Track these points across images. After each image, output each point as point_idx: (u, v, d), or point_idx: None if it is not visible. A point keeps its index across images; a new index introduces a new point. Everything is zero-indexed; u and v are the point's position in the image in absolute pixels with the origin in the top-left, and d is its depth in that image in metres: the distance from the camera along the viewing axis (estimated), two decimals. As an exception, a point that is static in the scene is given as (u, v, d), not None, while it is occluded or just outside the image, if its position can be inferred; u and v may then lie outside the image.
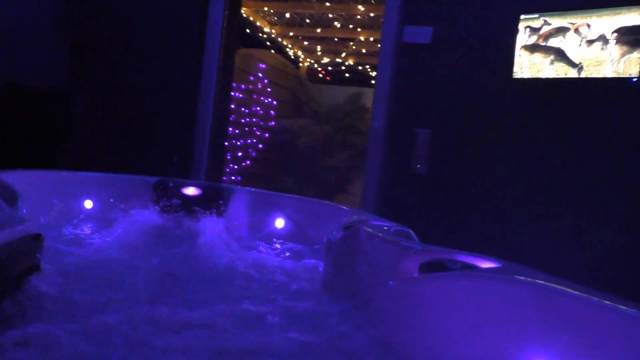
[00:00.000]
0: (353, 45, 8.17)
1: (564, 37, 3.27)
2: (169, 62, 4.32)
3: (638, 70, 3.01)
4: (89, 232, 2.91)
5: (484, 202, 3.52)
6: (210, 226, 2.98)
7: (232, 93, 5.67)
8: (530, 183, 3.43)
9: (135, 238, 2.78)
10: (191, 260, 2.62)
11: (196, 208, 3.13)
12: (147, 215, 3.04)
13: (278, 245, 3.06)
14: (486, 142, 3.54)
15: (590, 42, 3.17)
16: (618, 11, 3.08)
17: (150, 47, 4.36)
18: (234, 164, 6.83)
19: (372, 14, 6.68)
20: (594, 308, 1.15)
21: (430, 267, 1.65)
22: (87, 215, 3.06)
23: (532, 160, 3.43)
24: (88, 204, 3.13)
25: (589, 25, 3.18)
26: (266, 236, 3.15)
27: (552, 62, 3.31)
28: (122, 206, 3.02)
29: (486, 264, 1.57)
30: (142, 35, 4.38)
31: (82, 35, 4.43)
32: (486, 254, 1.67)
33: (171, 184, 3.22)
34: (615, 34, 3.09)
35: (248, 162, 7.25)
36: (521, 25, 3.40)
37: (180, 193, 3.22)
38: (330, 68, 9.62)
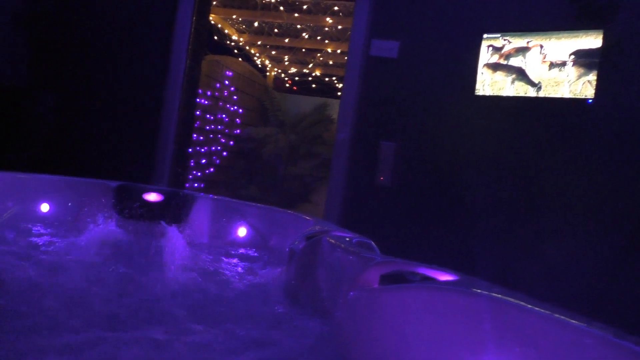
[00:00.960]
0: (320, 56, 8.23)
1: (524, 57, 3.37)
2: (135, 64, 4.27)
3: (593, 92, 3.12)
4: (43, 237, 2.83)
5: (447, 215, 3.59)
6: (171, 233, 2.93)
7: (198, 99, 5.63)
8: (492, 196, 3.50)
9: (92, 244, 2.71)
10: (149, 270, 2.57)
11: (157, 214, 3.08)
12: (106, 221, 2.97)
13: (240, 254, 3.04)
14: (450, 156, 3.61)
15: (548, 63, 3.28)
16: (575, 34, 3.20)
17: (115, 48, 4.31)
18: (197, 171, 6.77)
19: (340, 27, 6.75)
20: (546, 320, 1.18)
21: (391, 279, 1.67)
22: (43, 219, 2.98)
23: (494, 175, 3.51)
24: (44, 207, 3.05)
25: (546, 47, 3.29)
26: (228, 244, 3.13)
27: (513, 81, 3.41)
28: (81, 211, 2.95)
29: (445, 277, 1.60)
30: (108, 36, 4.32)
31: (44, 34, 4.34)
32: (448, 266, 1.70)
33: (133, 190, 3.17)
34: (572, 56, 3.20)
35: (212, 169, 7.20)
36: (484, 44, 3.49)
37: (141, 199, 3.18)
38: (297, 78, 9.66)
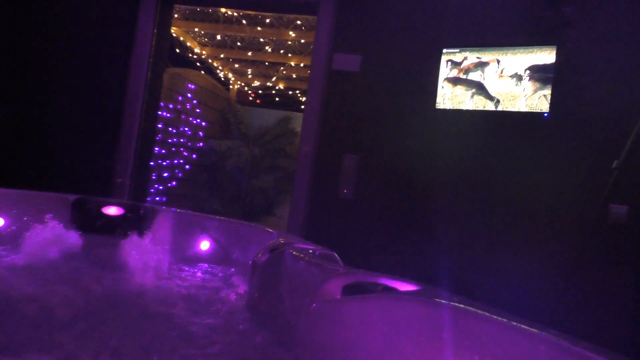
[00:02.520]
0: (284, 70, 8.26)
1: (482, 72, 3.46)
2: (94, 76, 4.20)
3: (549, 106, 3.22)
4: None
5: (409, 227, 3.63)
6: (131, 248, 2.89)
7: (160, 112, 5.57)
8: (452, 208, 3.56)
9: (47, 259, 2.64)
10: (109, 286, 2.52)
11: (117, 228, 3.03)
12: (64, 235, 2.90)
13: (202, 267, 3.01)
14: (411, 169, 3.66)
15: (506, 77, 3.37)
16: (530, 49, 3.30)
17: (74, 61, 4.24)
18: (159, 184, 6.68)
19: (303, 40, 6.79)
20: (503, 328, 1.21)
21: (353, 290, 1.68)
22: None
23: (454, 186, 3.57)
24: (-1, 221, 2.96)
25: (503, 62, 3.38)
26: (190, 258, 3.09)
27: (472, 95, 3.49)
28: (37, 225, 2.87)
29: (406, 287, 1.62)
30: (66, 48, 4.25)
31: None
32: (410, 276, 1.72)
33: (91, 203, 3.11)
34: (528, 71, 3.30)
35: (174, 182, 7.11)
36: (444, 59, 3.57)
37: (100, 212, 3.12)
38: (260, 91, 9.66)
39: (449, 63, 3.55)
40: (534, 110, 3.29)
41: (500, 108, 3.40)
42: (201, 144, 7.85)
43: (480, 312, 1.29)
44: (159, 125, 6.06)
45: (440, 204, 3.56)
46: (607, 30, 3.35)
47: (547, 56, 3.25)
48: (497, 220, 3.45)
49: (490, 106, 3.43)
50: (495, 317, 1.24)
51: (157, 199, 6.61)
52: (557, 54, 3.23)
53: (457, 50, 3.53)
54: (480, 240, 3.47)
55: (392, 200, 3.67)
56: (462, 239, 3.50)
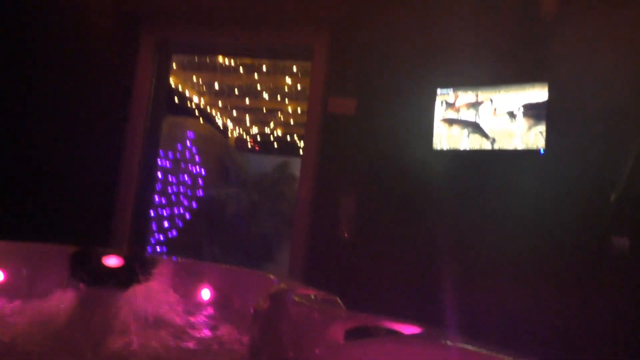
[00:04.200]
0: (281, 115, 8.35)
1: (477, 111, 3.50)
2: (92, 125, 4.23)
3: (544, 142, 3.24)
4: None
5: (410, 268, 3.60)
6: (132, 298, 2.86)
7: (159, 161, 5.61)
8: (453, 248, 3.53)
9: (48, 313, 2.62)
10: (112, 335, 2.49)
11: (118, 279, 3.00)
12: (64, 288, 2.88)
13: (204, 316, 2.97)
14: (410, 210, 3.65)
15: (500, 116, 3.41)
16: (523, 87, 3.35)
17: (71, 109, 4.28)
18: (159, 234, 6.66)
19: (299, 86, 6.89)
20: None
21: (356, 334, 1.66)
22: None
23: (454, 226, 3.55)
24: (-2, 276, 2.93)
25: (496, 101, 3.42)
26: (192, 307, 3.06)
27: (468, 135, 3.51)
28: (37, 278, 2.85)
29: (410, 329, 1.60)
30: (63, 96, 4.29)
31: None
32: (412, 319, 1.70)
33: (91, 254, 3.09)
34: (521, 109, 3.34)
35: (174, 232, 7.09)
36: (438, 100, 3.61)
37: (101, 264, 3.10)
38: (258, 138, 9.74)
39: (444, 103, 3.60)
40: (530, 148, 3.30)
41: (496, 146, 3.42)
42: (201, 192, 7.86)
43: (485, 352, 1.26)
44: (159, 175, 6.09)
45: (440, 244, 3.54)
46: (596, 65, 3.40)
47: (539, 93, 3.29)
48: (498, 258, 3.43)
49: (486, 145, 3.45)
50: (502, 356, 1.22)
51: (158, 249, 6.58)
52: (549, 90, 3.28)
53: (451, 90, 3.58)
54: (482, 279, 3.43)
55: (392, 240, 3.65)
56: (463, 277, 3.46)
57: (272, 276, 3.01)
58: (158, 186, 6.41)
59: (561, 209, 3.35)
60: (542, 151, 3.27)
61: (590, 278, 3.12)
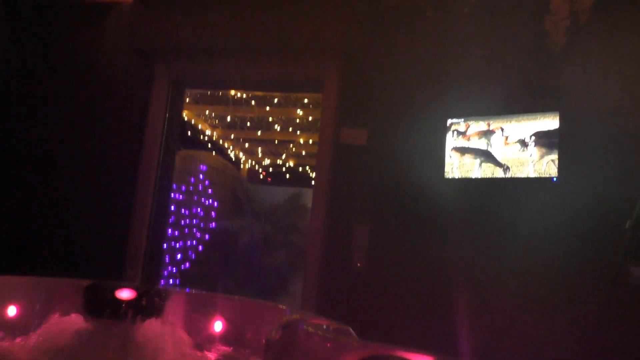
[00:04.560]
0: (293, 147, 8.41)
1: (488, 140, 3.50)
2: (105, 159, 4.29)
3: (557, 170, 3.23)
4: (6, 340, 2.70)
5: (423, 297, 3.56)
6: (145, 331, 2.86)
7: (172, 194, 5.65)
8: (467, 277, 3.50)
9: (62, 349, 2.61)
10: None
11: (131, 311, 3.00)
12: (78, 322, 2.88)
13: (217, 348, 2.96)
14: (423, 239, 3.63)
15: (512, 144, 3.41)
16: (534, 116, 3.36)
17: (85, 142, 4.35)
18: (172, 267, 6.67)
19: (310, 118, 6.95)
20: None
21: (370, 365, 1.64)
22: (9, 323, 2.86)
23: (468, 255, 3.52)
24: (12, 310, 2.95)
25: (507, 130, 3.43)
26: (205, 340, 3.04)
27: (480, 164, 3.51)
28: (50, 313, 2.85)
29: (423, 359, 1.58)
30: (77, 130, 4.38)
31: (8, 134, 4.39)
32: (425, 349, 1.68)
33: (105, 288, 3.10)
34: (533, 137, 3.34)
35: (188, 264, 7.10)
36: (449, 129, 3.62)
37: (114, 297, 3.10)
38: (271, 169, 9.80)
39: (455, 133, 3.61)
40: (543, 176, 3.29)
41: (509, 174, 3.41)
42: (213, 224, 7.88)
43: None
44: (172, 208, 6.13)
45: (453, 273, 3.51)
46: (606, 92, 3.40)
47: (550, 122, 3.30)
48: (512, 287, 3.38)
49: (499, 173, 3.45)
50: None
51: (171, 282, 6.57)
52: (560, 119, 3.28)
53: (462, 119, 3.60)
54: (495, 308, 3.38)
55: (405, 270, 3.63)
56: (477, 306, 3.41)
57: (284, 307, 3.00)
58: (171, 219, 6.44)
59: (576, 237, 3.31)
60: (555, 179, 3.25)
61: (607, 309, 3.06)
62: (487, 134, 3.51)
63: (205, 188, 7.60)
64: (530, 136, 3.35)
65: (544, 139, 3.31)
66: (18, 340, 2.72)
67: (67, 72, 4.51)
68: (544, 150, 3.31)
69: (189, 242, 7.15)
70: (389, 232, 3.71)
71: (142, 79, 4.34)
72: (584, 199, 3.33)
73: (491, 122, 3.51)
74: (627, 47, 3.43)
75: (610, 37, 3.45)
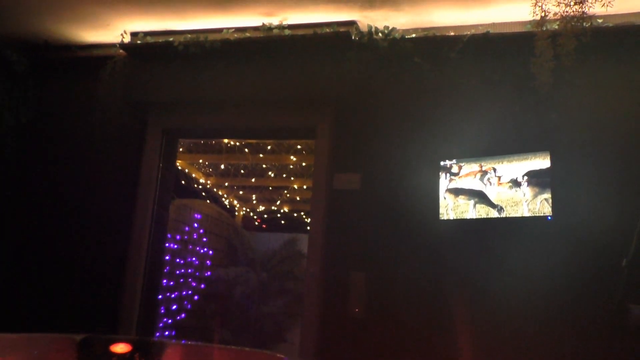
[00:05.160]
0: (287, 193, 8.42)
1: (481, 180, 3.52)
2: (99, 211, 4.28)
3: (551, 209, 3.24)
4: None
5: (422, 343, 3.50)
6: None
7: (167, 244, 5.61)
8: (465, 318, 3.46)
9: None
10: None
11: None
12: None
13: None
14: (420, 283, 3.60)
15: (505, 184, 3.43)
16: (525, 156, 3.39)
17: (78, 193, 4.35)
18: (168, 318, 6.56)
19: (304, 164, 6.99)
20: None
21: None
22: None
23: (466, 296, 3.49)
24: (4, 369, 2.87)
25: (500, 170, 3.46)
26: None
27: (474, 205, 3.52)
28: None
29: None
30: (70, 181, 4.39)
31: (4, 188, 4.39)
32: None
33: (98, 342, 3.04)
34: (525, 177, 3.37)
35: (183, 314, 6.99)
36: (442, 171, 3.65)
37: (109, 351, 3.04)
38: (265, 216, 9.77)
39: (448, 174, 3.63)
40: (537, 215, 3.31)
41: (503, 214, 3.42)
42: (209, 273, 7.80)
43: None
44: (167, 257, 6.07)
45: (452, 315, 3.47)
46: (596, 130, 3.46)
47: (542, 162, 3.33)
48: (511, 328, 3.35)
49: (494, 213, 3.46)
50: None
51: (167, 333, 6.45)
52: (551, 158, 3.32)
53: (454, 161, 3.63)
54: (495, 349, 3.34)
55: (404, 314, 3.58)
56: (476, 348, 3.36)
57: (282, 356, 2.94)
58: (166, 269, 6.37)
59: (573, 276, 3.30)
60: (549, 217, 3.26)
61: (606, 350, 3.02)
62: (480, 174, 3.54)
63: (200, 236, 7.56)
64: (523, 176, 3.38)
65: (536, 179, 3.34)
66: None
67: (61, 125, 4.55)
68: (536, 189, 3.33)
69: (184, 292, 7.06)
70: (386, 277, 3.68)
71: (136, 130, 4.38)
72: (579, 237, 3.34)
73: (483, 163, 3.54)
74: (612, 86, 3.51)
75: (595, 77, 3.53)
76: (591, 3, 3.02)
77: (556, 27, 3.21)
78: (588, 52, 3.20)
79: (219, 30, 4.18)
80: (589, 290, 3.26)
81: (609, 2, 2.97)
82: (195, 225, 7.42)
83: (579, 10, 3.05)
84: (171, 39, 4.24)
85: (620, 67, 3.52)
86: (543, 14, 3.20)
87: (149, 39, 4.33)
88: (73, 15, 4.14)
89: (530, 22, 3.33)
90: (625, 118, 3.44)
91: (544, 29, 3.23)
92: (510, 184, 3.42)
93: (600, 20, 3.41)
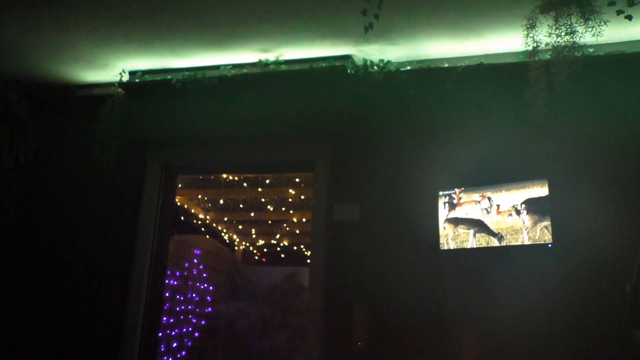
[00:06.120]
0: (287, 226, 8.40)
1: (480, 209, 3.53)
2: (99, 248, 4.26)
3: (551, 236, 3.25)
4: None
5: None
6: None
7: (167, 281, 5.57)
8: (469, 348, 3.42)
9: None
10: None
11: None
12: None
13: None
14: (423, 313, 3.57)
15: (504, 213, 3.44)
16: (523, 185, 3.41)
17: (78, 230, 4.35)
18: (168, 356, 6.47)
19: (302, 196, 7.00)
20: None
21: None
22: None
23: (468, 326, 3.46)
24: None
25: (499, 199, 3.47)
26: None
27: (474, 234, 3.52)
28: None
29: None
30: (69, 220, 4.39)
31: (4, 229, 4.39)
32: None
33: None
34: (524, 205, 3.38)
35: (184, 352, 6.90)
36: (441, 201, 3.66)
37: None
38: (265, 250, 9.73)
39: (447, 204, 3.64)
40: (537, 242, 3.30)
41: (504, 243, 3.42)
42: (209, 308, 7.73)
43: None
44: (166, 294, 6.02)
45: (455, 345, 3.44)
46: (592, 156, 3.48)
47: (540, 189, 3.35)
48: (514, 356, 3.31)
49: (494, 242, 3.46)
50: None
51: (167, 371, 6.36)
52: (549, 186, 3.33)
53: (453, 190, 3.64)
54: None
55: (407, 346, 3.54)
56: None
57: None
58: (166, 306, 6.32)
59: (576, 303, 3.29)
60: (550, 245, 3.26)
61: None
62: (479, 203, 3.55)
63: (200, 272, 7.52)
64: (522, 204, 3.39)
65: (535, 206, 3.35)
66: None
67: (60, 164, 4.57)
68: (536, 217, 3.33)
69: (184, 328, 6.99)
70: (388, 309, 3.65)
71: (135, 167, 4.39)
72: (580, 264, 3.33)
73: (482, 192, 3.55)
74: (605, 112, 3.55)
75: (589, 105, 3.57)
76: (582, 33, 3.07)
77: (548, 56, 3.26)
78: (581, 80, 3.25)
79: (216, 67, 4.23)
80: (592, 317, 3.24)
81: (599, 32, 3.03)
82: (195, 260, 7.39)
83: (570, 40, 3.10)
84: (169, 77, 4.30)
85: (613, 94, 3.57)
86: (535, 45, 3.25)
87: (148, 77, 4.38)
88: (72, 55, 4.20)
89: (522, 52, 3.38)
90: (620, 143, 3.47)
91: (537, 59, 3.27)
92: (510, 212, 3.42)
93: (591, 50, 3.46)
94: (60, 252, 4.33)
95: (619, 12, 2.99)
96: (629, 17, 2.99)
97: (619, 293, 2.99)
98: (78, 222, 4.38)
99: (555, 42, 3.15)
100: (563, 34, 3.12)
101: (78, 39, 3.97)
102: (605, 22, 3.02)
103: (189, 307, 7.08)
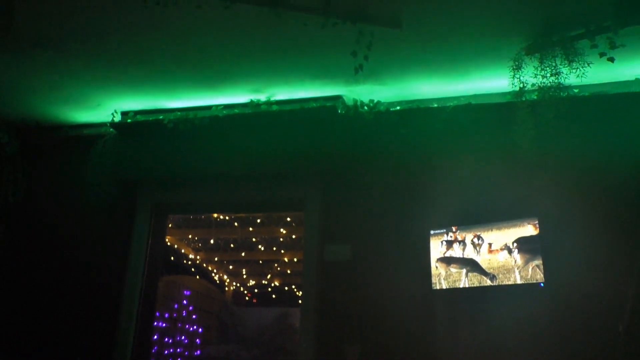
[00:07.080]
0: (278, 266, 8.32)
1: (472, 249, 3.53)
2: (87, 288, 4.21)
3: (542, 275, 3.24)
4: None
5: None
6: None
7: (155, 323, 5.47)
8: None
9: None
10: None
11: None
12: None
13: None
14: (416, 353, 3.52)
15: (496, 252, 3.44)
16: (514, 223, 3.42)
17: (67, 270, 4.29)
18: (155, 402, 6.30)
19: (293, 236, 6.96)
20: None
21: None
22: None
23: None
24: None
25: (490, 238, 3.48)
26: None
27: (467, 273, 3.51)
28: None
29: None
30: (60, 260, 4.34)
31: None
32: None
33: None
34: (516, 244, 3.38)
35: (172, 397, 6.72)
36: (432, 240, 3.65)
37: None
38: (256, 290, 9.61)
39: (439, 244, 3.63)
40: (530, 282, 3.30)
41: (496, 282, 3.40)
42: (199, 351, 7.57)
43: None
44: (155, 337, 5.90)
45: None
46: (580, 198, 3.51)
47: (530, 229, 3.36)
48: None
49: (486, 282, 3.44)
50: None
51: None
52: (539, 224, 3.35)
53: (444, 230, 3.64)
54: None
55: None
56: None
57: None
58: (154, 349, 6.18)
59: (570, 343, 3.26)
60: (542, 284, 3.25)
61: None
62: (470, 243, 3.55)
63: (189, 314, 7.39)
64: (513, 243, 3.39)
65: (526, 245, 3.35)
66: None
67: (51, 204, 4.55)
68: (527, 256, 3.33)
69: (172, 373, 6.82)
70: (381, 349, 3.60)
71: (126, 206, 4.38)
72: (572, 303, 3.32)
73: (473, 231, 3.56)
74: (592, 151, 3.60)
75: (575, 143, 3.62)
76: (566, 74, 3.15)
77: (535, 97, 3.33)
78: (567, 120, 3.30)
79: (208, 108, 4.27)
80: (585, 356, 3.20)
81: (583, 73, 3.10)
82: (184, 302, 7.28)
83: (556, 81, 3.18)
84: (161, 117, 4.32)
85: (599, 134, 3.63)
86: (522, 85, 3.32)
87: (139, 117, 4.40)
88: (64, 96, 4.22)
89: (510, 92, 3.45)
90: (608, 181, 3.51)
91: (524, 99, 3.34)
92: (502, 251, 3.42)
93: (576, 90, 3.53)
94: (48, 293, 4.27)
95: (601, 54, 3.07)
96: (612, 59, 3.07)
97: (612, 333, 2.97)
98: (67, 262, 4.33)
99: (541, 83, 3.22)
100: (548, 74, 3.19)
101: (70, 81, 4.00)
102: (588, 64, 3.10)
103: (178, 350, 6.93)
